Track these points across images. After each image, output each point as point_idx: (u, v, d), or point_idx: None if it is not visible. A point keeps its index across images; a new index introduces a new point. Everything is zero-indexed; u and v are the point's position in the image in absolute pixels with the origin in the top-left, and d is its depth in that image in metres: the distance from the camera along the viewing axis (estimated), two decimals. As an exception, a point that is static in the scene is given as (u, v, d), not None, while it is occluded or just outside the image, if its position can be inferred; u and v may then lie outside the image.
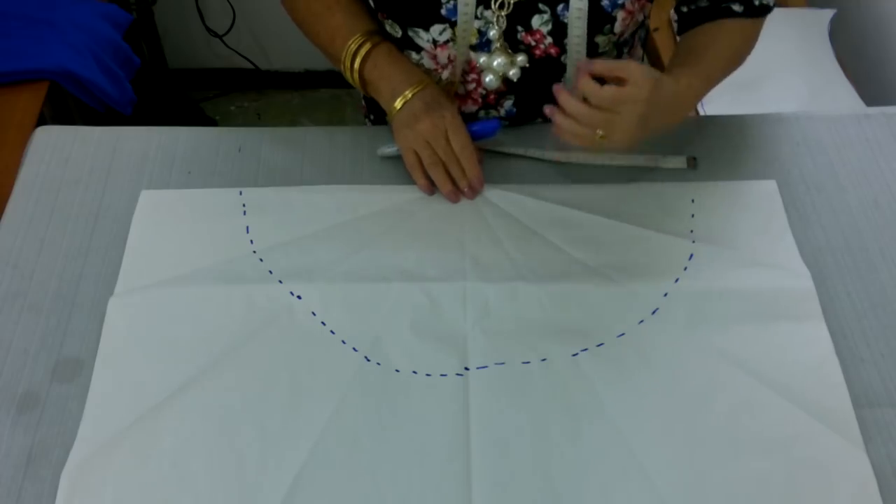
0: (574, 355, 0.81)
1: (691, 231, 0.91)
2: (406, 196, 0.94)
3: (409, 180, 0.96)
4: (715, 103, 1.42)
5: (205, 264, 0.88)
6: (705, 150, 1.00)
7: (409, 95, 0.90)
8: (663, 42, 1.55)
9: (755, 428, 0.76)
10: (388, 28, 0.97)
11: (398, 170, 0.97)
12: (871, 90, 1.50)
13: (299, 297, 0.85)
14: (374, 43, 0.93)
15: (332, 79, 2.22)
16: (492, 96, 0.98)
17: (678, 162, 0.97)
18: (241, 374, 0.80)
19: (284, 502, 0.72)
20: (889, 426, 0.77)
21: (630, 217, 0.92)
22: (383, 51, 0.93)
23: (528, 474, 0.74)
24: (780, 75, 1.46)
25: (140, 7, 1.90)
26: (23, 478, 0.74)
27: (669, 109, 0.84)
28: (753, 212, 0.93)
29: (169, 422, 0.76)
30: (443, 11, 0.89)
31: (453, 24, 0.90)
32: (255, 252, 0.89)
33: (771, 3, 0.90)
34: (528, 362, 0.81)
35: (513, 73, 0.92)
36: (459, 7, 0.88)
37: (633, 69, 0.78)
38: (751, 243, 0.90)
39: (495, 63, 0.90)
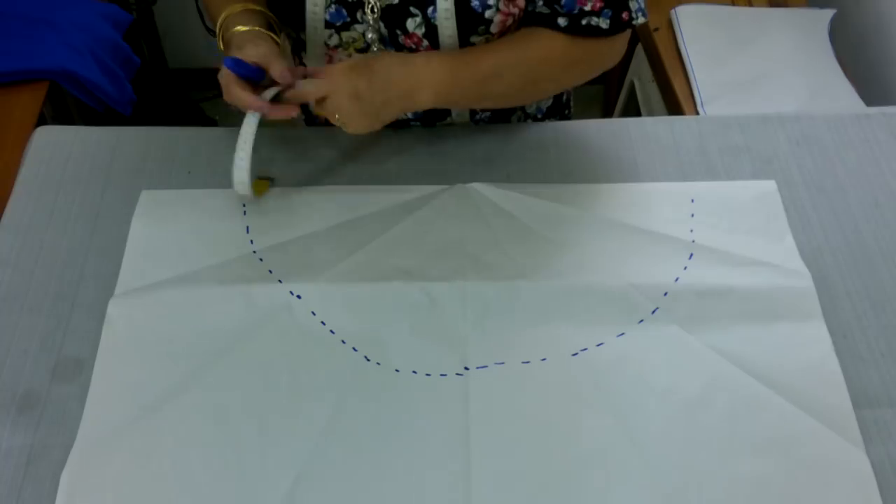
0: (574, 355, 0.81)
1: (691, 231, 0.91)
2: (406, 196, 0.94)
3: (409, 180, 0.96)
4: (715, 103, 1.42)
5: (205, 264, 0.88)
6: (705, 149, 1.00)
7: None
8: (663, 42, 1.55)
9: (755, 428, 0.76)
10: (289, 32, 0.97)
11: (398, 170, 0.97)
12: (871, 90, 1.50)
13: (299, 296, 0.85)
14: (233, 12, 0.90)
15: (332, 79, 2.21)
16: None
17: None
18: (240, 373, 0.80)
19: (284, 502, 0.72)
20: (889, 426, 0.77)
21: (630, 217, 0.92)
22: (235, 15, 0.90)
23: (528, 474, 0.74)
24: (780, 75, 1.46)
25: (140, 7, 1.90)
26: (23, 478, 0.74)
27: (399, 90, 0.85)
28: (753, 212, 0.93)
29: (169, 422, 0.76)
30: (326, 17, 0.89)
31: (339, 29, 0.90)
32: (255, 252, 0.89)
33: (604, 26, 0.84)
34: (528, 362, 0.81)
35: None
36: (308, 7, 0.88)
37: (327, 69, 0.85)
38: (751, 243, 0.90)
39: None
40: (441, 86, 0.86)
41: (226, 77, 0.84)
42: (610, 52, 0.90)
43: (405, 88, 0.85)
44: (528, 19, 0.89)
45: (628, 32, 0.88)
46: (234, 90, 0.84)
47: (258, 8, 0.91)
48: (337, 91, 0.84)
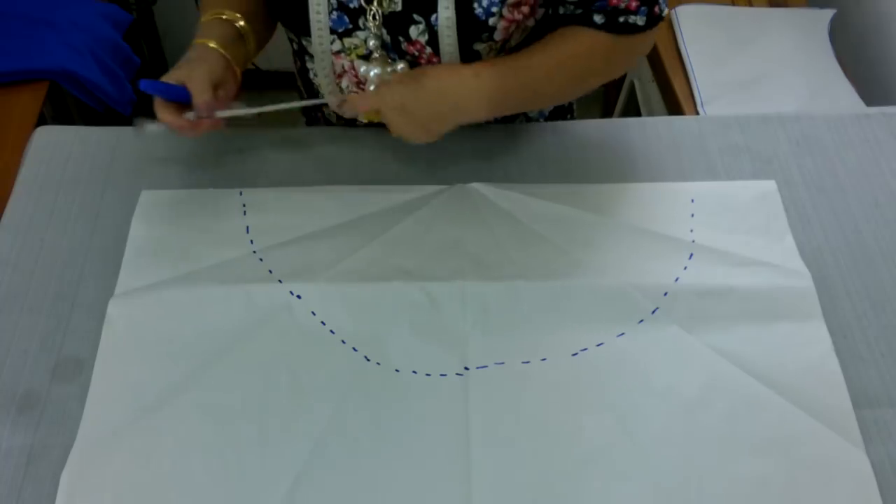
0: (574, 355, 0.81)
1: (691, 231, 0.91)
2: (406, 196, 0.94)
3: (409, 180, 0.96)
4: (715, 103, 1.42)
5: (205, 264, 0.88)
6: (705, 149, 1.00)
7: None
8: (663, 42, 1.55)
9: (755, 428, 0.76)
10: (289, 36, 0.97)
11: (398, 170, 0.97)
12: (871, 90, 1.50)
13: (299, 296, 0.85)
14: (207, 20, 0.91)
15: (332, 79, 2.21)
16: None
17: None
18: (240, 373, 0.80)
19: (284, 502, 0.72)
20: (889, 426, 0.77)
21: (630, 217, 0.92)
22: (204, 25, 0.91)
23: (528, 474, 0.74)
24: (780, 75, 1.46)
25: (140, 7, 1.90)
26: (23, 478, 0.74)
27: (449, 104, 0.86)
28: (753, 212, 0.93)
29: (169, 422, 0.76)
30: (329, 23, 0.89)
31: (341, 35, 0.90)
32: (255, 252, 0.89)
33: (641, 23, 0.85)
34: (527, 362, 0.81)
35: None
36: (311, 15, 0.88)
37: (369, 92, 0.88)
38: (751, 243, 0.90)
39: (372, 73, 0.90)
40: (493, 97, 0.86)
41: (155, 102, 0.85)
42: (644, 45, 0.92)
43: (455, 102, 0.86)
44: (560, 21, 0.89)
45: (659, 26, 0.90)
46: (156, 105, 0.85)
47: (227, 17, 0.91)
48: (385, 104, 0.85)
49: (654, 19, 0.86)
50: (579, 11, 0.86)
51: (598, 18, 0.85)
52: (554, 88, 0.91)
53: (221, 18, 0.90)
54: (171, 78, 0.85)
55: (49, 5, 1.45)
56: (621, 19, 0.85)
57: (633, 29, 0.86)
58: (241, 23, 0.91)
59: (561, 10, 0.88)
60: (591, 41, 0.87)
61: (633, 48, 0.90)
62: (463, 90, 0.85)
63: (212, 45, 0.88)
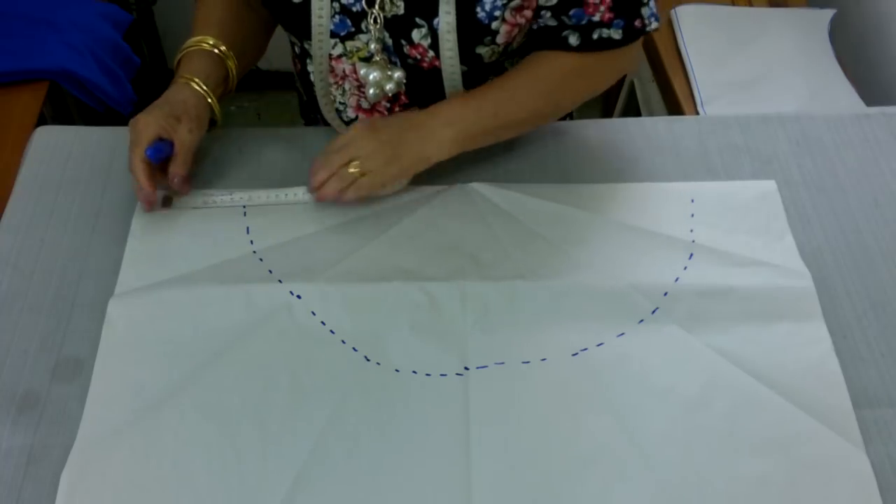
0: (574, 355, 0.81)
1: (691, 231, 0.91)
2: (406, 196, 0.94)
3: (410, 180, 0.96)
4: (715, 103, 1.42)
5: (205, 264, 0.88)
6: (705, 150, 1.00)
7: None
8: (663, 42, 1.55)
9: (755, 428, 0.76)
10: (291, 39, 0.97)
11: (398, 170, 0.97)
12: (871, 90, 1.50)
13: (299, 296, 0.85)
14: (187, 51, 0.92)
15: (332, 79, 2.21)
16: (396, 108, 0.97)
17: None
18: (240, 373, 0.80)
19: (284, 502, 0.72)
20: (889, 426, 0.77)
21: (630, 217, 0.92)
22: (185, 56, 0.93)
23: (528, 474, 0.74)
24: (780, 75, 1.46)
25: (140, 7, 1.90)
26: (23, 478, 0.74)
27: (413, 125, 0.88)
28: (753, 212, 0.93)
29: (169, 422, 0.76)
30: (331, 27, 0.90)
31: (343, 39, 0.90)
32: (255, 252, 0.89)
33: (617, 37, 0.84)
34: (528, 362, 0.81)
35: (389, 87, 0.91)
36: (313, 19, 0.89)
37: (339, 138, 0.88)
38: (751, 243, 0.90)
39: (371, 76, 0.91)
40: (453, 114, 0.87)
41: (136, 152, 0.86)
42: (624, 60, 0.90)
43: (420, 121, 0.87)
44: (536, 38, 0.88)
45: (641, 39, 0.88)
46: (134, 160, 0.86)
47: (209, 46, 0.91)
48: (355, 129, 0.87)
49: (635, 33, 0.85)
50: (554, 24, 0.85)
51: (572, 40, 0.85)
52: (518, 108, 0.90)
53: (200, 49, 0.91)
54: (166, 113, 0.87)
55: (49, 5, 1.45)
56: (595, 35, 0.84)
57: (609, 44, 0.84)
58: (223, 47, 0.92)
59: (534, 26, 0.87)
60: (561, 60, 0.87)
61: (611, 64, 0.89)
62: (427, 112, 0.88)
63: (192, 85, 0.90)
